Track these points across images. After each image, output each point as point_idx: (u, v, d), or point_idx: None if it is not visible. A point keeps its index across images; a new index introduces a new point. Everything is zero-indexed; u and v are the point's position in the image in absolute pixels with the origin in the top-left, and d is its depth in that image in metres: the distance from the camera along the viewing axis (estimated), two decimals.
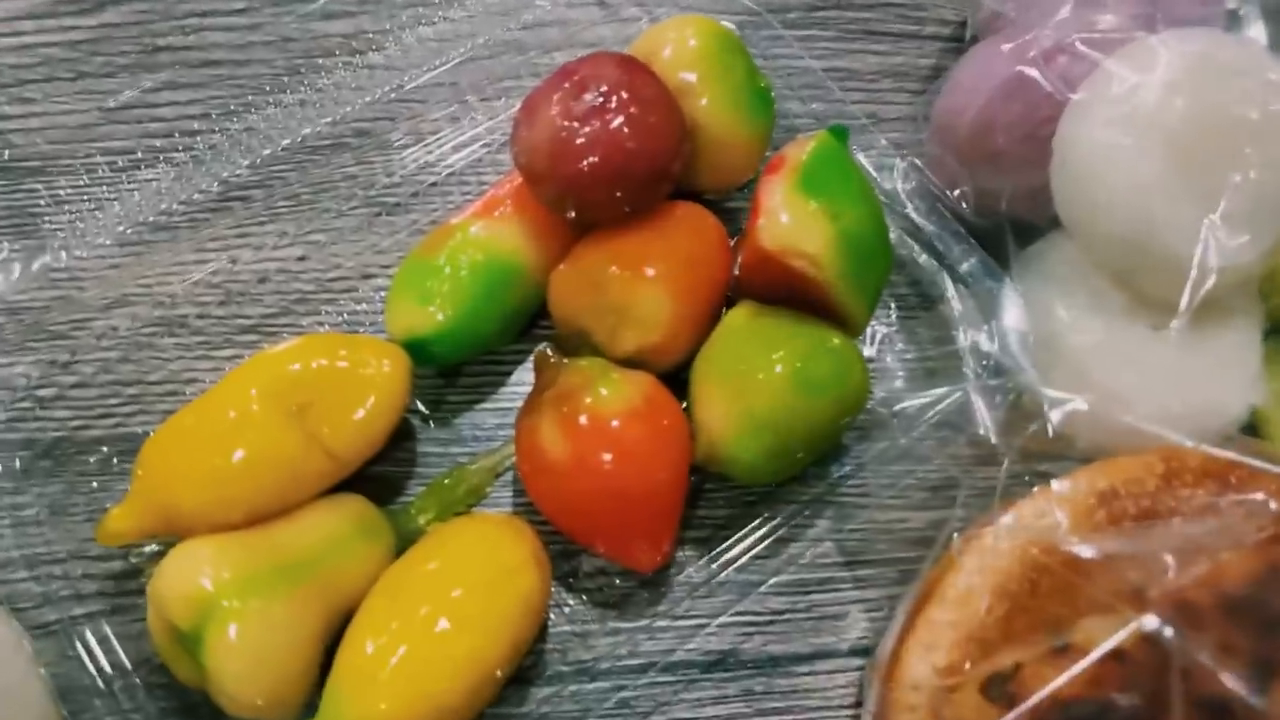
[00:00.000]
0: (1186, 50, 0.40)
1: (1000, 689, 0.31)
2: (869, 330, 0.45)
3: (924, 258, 0.44)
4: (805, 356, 0.39)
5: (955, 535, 0.36)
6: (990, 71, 0.44)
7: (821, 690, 0.40)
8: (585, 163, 0.38)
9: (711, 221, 0.43)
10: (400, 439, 0.43)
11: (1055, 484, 0.36)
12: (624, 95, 0.39)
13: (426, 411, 0.44)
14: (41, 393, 0.42)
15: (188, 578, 0.35)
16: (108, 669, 0.37)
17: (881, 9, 0.52)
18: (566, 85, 0.40)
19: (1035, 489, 0.37)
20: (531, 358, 0.41)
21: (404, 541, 0.40)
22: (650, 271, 0.40)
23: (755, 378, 0.38)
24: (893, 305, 0.46)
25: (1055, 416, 0.37)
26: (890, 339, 0.46)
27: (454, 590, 0.36)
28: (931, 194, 0.45)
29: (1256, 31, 0.43)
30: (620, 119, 0.39)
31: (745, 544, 0.41)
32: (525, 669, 0.39)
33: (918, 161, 0.46)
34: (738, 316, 0.41)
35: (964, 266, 0.43)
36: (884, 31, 0.52)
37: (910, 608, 0.36)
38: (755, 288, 0.41)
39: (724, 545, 0.41)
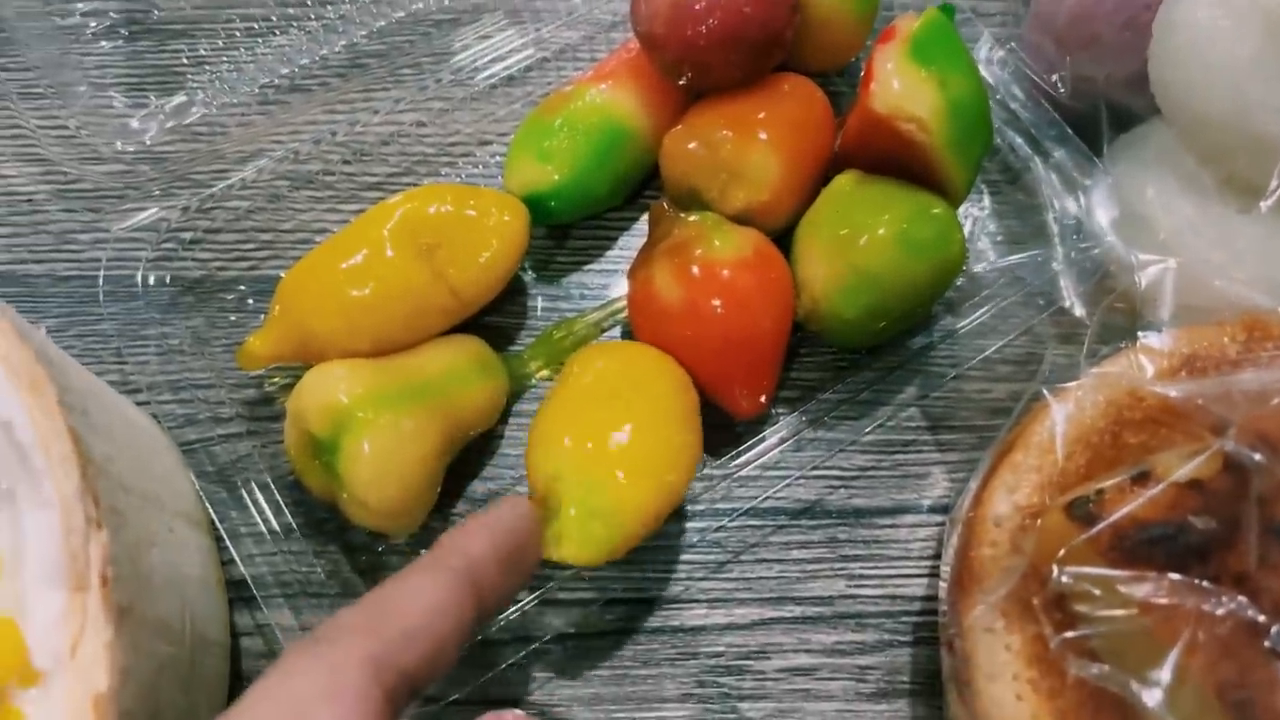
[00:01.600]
0: None
1: (1083, 509, 0.33)
2: (964, 211, 0.47)
3: (1020, 142, 0.46)
4: (909, 219, 0.40)
5: (1043, 389, 0.38)
6: None
7: (902, 542, 0.43)
8: (704, 26, 0.40)
9: (818, 93, 0.45)
10: (513, 294, 0.45)
11: (1140, 341, 0.38)
12: None
13: (537, 270, 0.46)
14: (184, 235, 0.45)
15: (327, 391, 0.38)
16: (246, 483, 0.40)
17: None
18: None
19: (1121, 347, 0.38)
20: (644, 216, 0.43)
21: (516, 384, 0.43)
22: (761, 135, 0.42)
23: (859, 238, 0.40)
24: (985, 190, 0.48)
25: (1143, 278, 0.39)
26: (983, 221, 0.47)
27: (659, 395, 0.39)
28: (1029, 81, 0.47)
29: None
30: None
31: (835, 403, 0.43)
32: None
33: (1017, 49, 0.47)
34: (844, 182, 0.43)
35: (1058, 152, 0.45)
36: None
37: (995, 454, 0.38)
38: (863, 156, 0.42)
39: (814, 403, 0.43)
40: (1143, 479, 0.33)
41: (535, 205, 0.44)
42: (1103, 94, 0.45)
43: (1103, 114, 0.45)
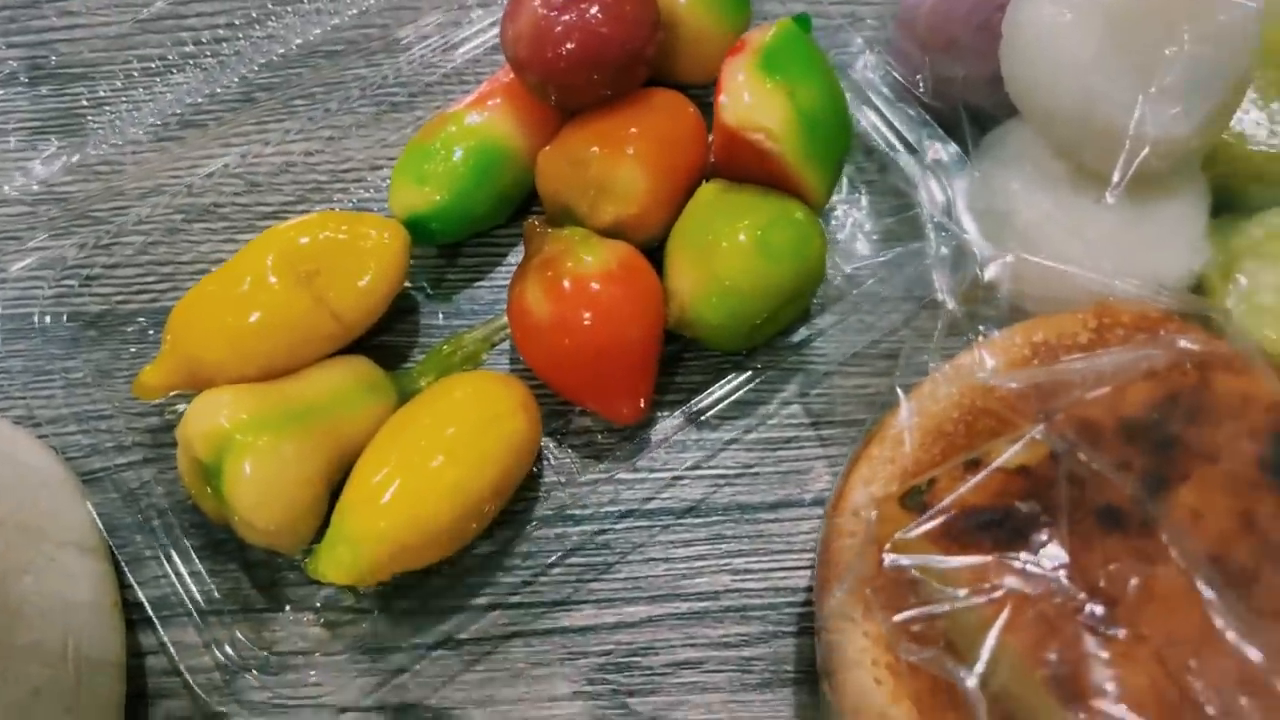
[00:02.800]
0: None
1: (916, 499, 0.34)
2: (838, 211, 0.48)
3: (893, 142, 0.47)
4: (766, 226, 0.42)
5: (896, 385, 0.39)
6: None
7: (785, 536, 0.44)
8: (564, 48, 0.42)
9: (687, 107, 0.46)
10: (405, 312, 0.47)
11: (992, 335, 0.39)
12: None
13: (429, 288, 0.48)
14: (85, 271, 0.46)
15: (209, 417, 0.39)
16: (147, 508, 0.42)
17: None
18: None
19: (973, 340, 0.39)
20: (523, 229, 0.45)
21: (406, 400, 0.45)
22: (628, 149, 0.43)
23: (720, 245, 0.42)
24: (863, 188, 0.49)
25: (992, 272, 0.40)
26: (859, 221, 0.48)
27: (447, 429, 0.40)
28: (899, 84, 0.48)
29: None
30: (595, 7, 0.42)
31: (717, 404, 0.44)
32: (516, 512, 0.43)
33: (884, 53, 0.49)
34: (707, 192, 0.44)
35: (928, 152, 0.46)
36: None
37: (857, 448, 0.40)
38: (728, 167, 0.44)
39: (697, 404, 0.44)
40: (974, 466, 0.34)
41: (418, 227, 0.45)
42: (963, 94, 0.47)
43: (961, 114, 0.47)
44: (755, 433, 0.46)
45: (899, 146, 0.47)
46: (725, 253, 0.42)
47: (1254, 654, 0.30)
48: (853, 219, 0.49)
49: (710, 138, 0.46)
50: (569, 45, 0.42)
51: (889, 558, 0.34)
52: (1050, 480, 0.33)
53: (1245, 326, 0.42)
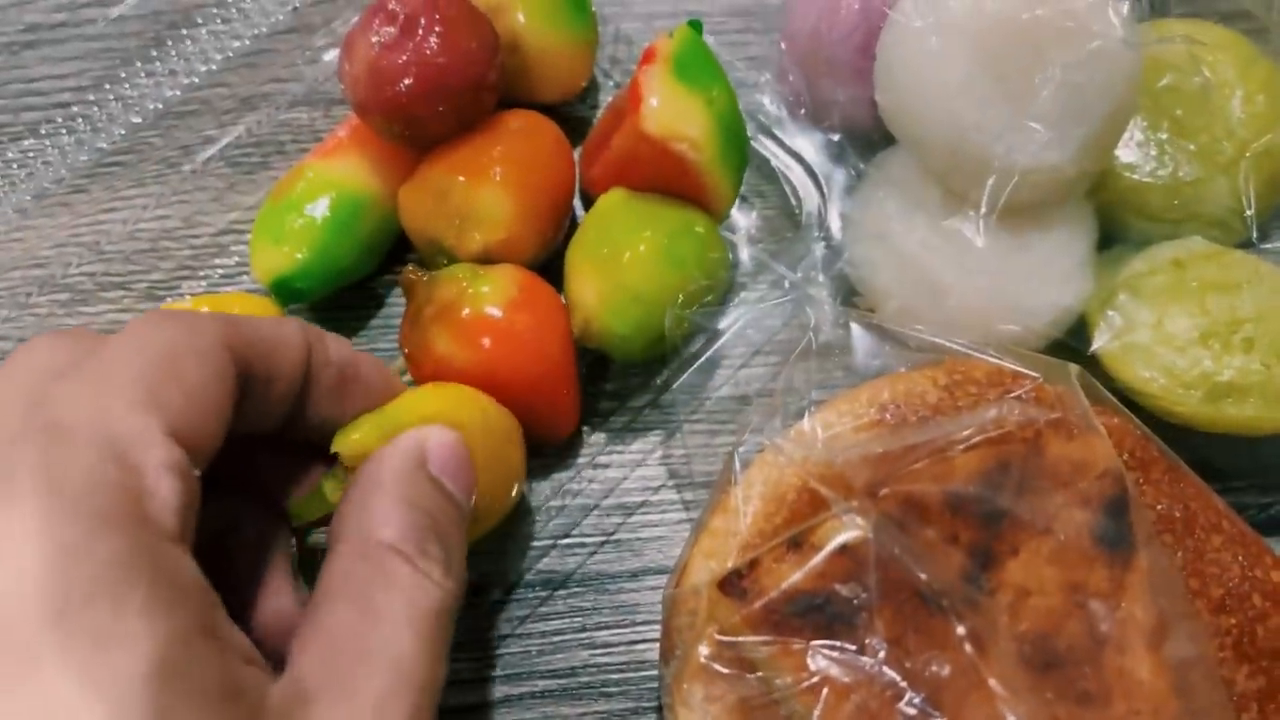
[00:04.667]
0: None
1: (735, 585, 0.33)
2: (737, 222, 0.47)
3: (780, 162, 0.46)
4: (672, 235, 0.41)
5: (734, 451, 0.37)
6: None
7: (648, 605, 0.42)
8: (402, 85, 0.41)
9: (546, 124, 0.45)
10: None
11: (835, 396, 0.38)
12: (431, 18, 0.41)
13: None
14: None
15: None
16: None
17: None
18: (377, 18, 0.41)
19: (816, 404, 0.38)
20: (400, 280, 0.43)
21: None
22: (490, 174, 0.42)
23: (624, 255, 0.41)
24: (754, 202, 0.48)
25: (825, 332, 0.39)
26: (750, 235, 0.47)
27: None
28: (785, 106, 0.47)
29: None
30: (430, 40, 0.41)
31: (576, 471, 0.43)
32: None
33: (771, 76, 0.48)
34: (609, 201, 0.43)
35: (811, 169, 0.45)
36: None
37: (700, 520, 0.38)
38: (630, 176, 0.43)
39: (560, 473, 0.43)
40: (796, 546, 0.33)
41: (284, 288, 0.44)
42: (844, 118, 0.45)
43: (844, 141, 0.45)
44: (612, 498, 0.44)
45: (784, 166, 0.46)
46: (629, 262, 0.40)
47: None
48: (742, 230, 0.47)
49: (576, 152, 0.45)
50: (407, 81, 0.41)
51: (703, 649, 0.32)
52: (871, 561, 0.32)
53: (1118, 364, 0.40)
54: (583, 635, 0.42)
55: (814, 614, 0.31)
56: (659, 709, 0.41)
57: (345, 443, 0.32)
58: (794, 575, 0.32)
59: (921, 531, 0.32)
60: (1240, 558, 0.35)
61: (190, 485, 0.24)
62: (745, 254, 0.46)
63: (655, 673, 0.41)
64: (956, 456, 0.33)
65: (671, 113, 0.40)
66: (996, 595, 0.31)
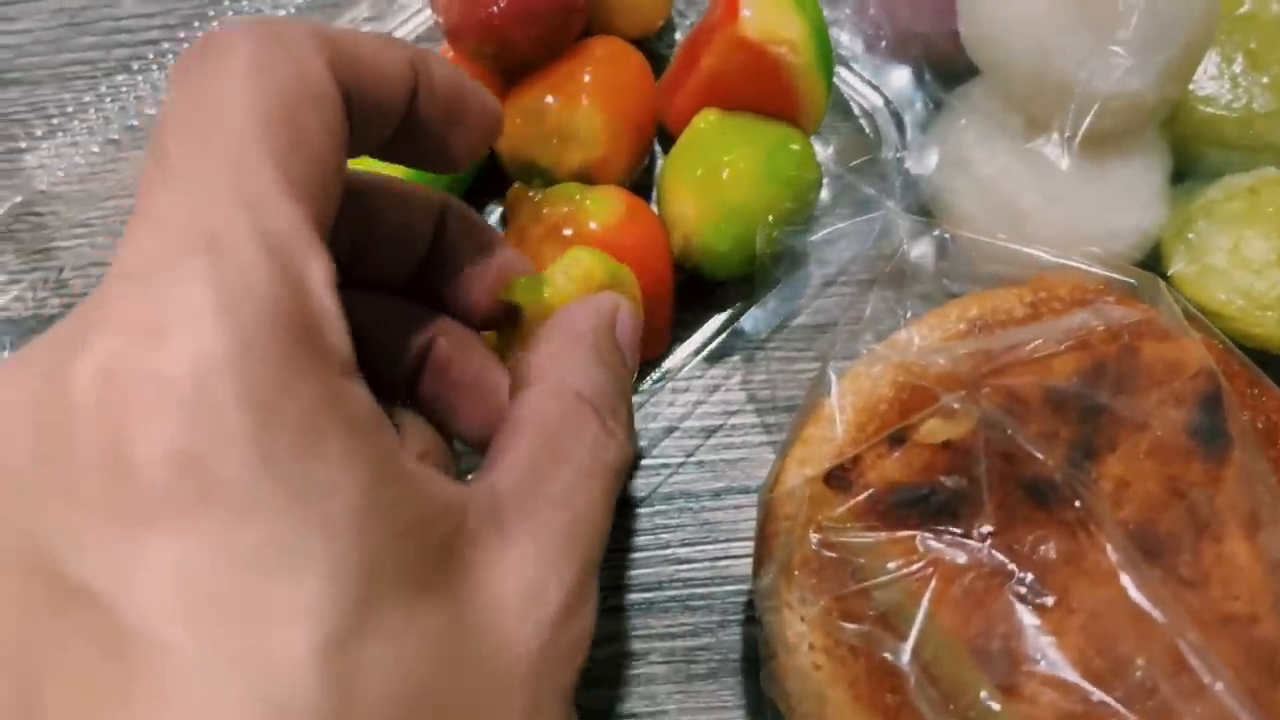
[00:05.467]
0: None
1: (840, 478, 0.34)
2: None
3: (857, 90, 0.47)
4: (770, 150, 0.42)
5: (828, 365, 0.39)
6: None
7: (729, 523, 0.43)
8: (495, 7, 0.42)
9: (631, 51, 0.46)
10: None
11: (924, 313, 0.39)
12: None
13: None
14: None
15: None
16: None
17: None
18: None
19: (904, 318, 0.39)
20: (506, 199, 0.44)
21: None
22: (581, 95, 0.43)
23: (722, 172, 0.42)
24: (829, 138, 0.49)
25: (917, 246, 0.40)
26: (827, 167, 0.48)
27: None
28: (865, 40, 0.48)
29: None
30: None
31: (658, 394, 0.44)
32: None
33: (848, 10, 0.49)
34: (705, 120, 0.44)
35: (890, 101, 0.46)
36: None
37: (793, 429, 0.39)
38: (724, 91, 0.44)
39: (640, 395, 0.44)
40: (898, 442, 0.34)
41: None
42: (925, 51, 0.47)
43: (925, 69, 0.47)
44: (693, 419, 0.45)
45: (865, 94, 0.47)
46: (729, 180, 0.42)
47: (1172, 625, 0.29)
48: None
49: (656, 80, 0.46)
50: (499, 3, 0.42)
51: (814, 537, 0.33)
52: (976, 454, 0.33)
53: (1195, 288, 0.41)
54: (666, 551, 0.43)
55: (920, 504, 0.32)
56: (744, 621, 0.42)
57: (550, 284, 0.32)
58: (898, 469, 0.33)
59: (1024, 426, 0.33)
60: None
61: (339, 298, 0.22)
62: (827, 183, 0.47)
63: (738, 587, 0.42)
64: (1054, 357, 0.34)
65: (769, 17, 0.42)
66: (1099, 484, 0.32)
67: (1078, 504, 0.32)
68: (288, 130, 0.21)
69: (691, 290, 0.46)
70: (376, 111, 0.25)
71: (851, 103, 0.47)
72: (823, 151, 0.48)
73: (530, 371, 0.28)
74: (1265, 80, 0.43)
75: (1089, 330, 0.35)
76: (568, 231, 0.41)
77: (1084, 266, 0.37)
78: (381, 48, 0.25)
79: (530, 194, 0.42)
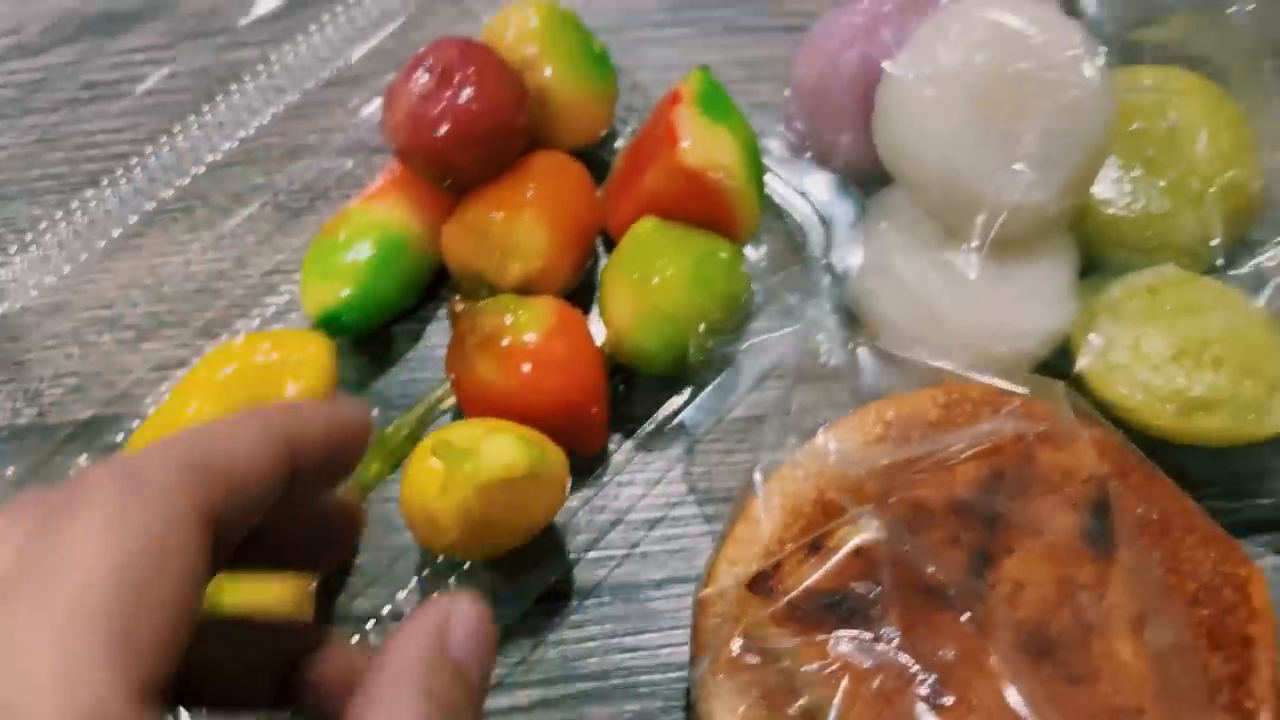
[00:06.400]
0: (985, 15, 0.44)
1: (763, 584, 0.36)
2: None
3: (783, 202, 0.50)
4: (699, 259, 0.46)
5: (757, 469, 0.41)
6: (834, 35, 0.49)
7: (672, 612, 0.46)
8: (439, 130, 0.45)
9: (572, 164, 0.49)
10: None
11: (844, 416, 0.42)
12: (464, 71, 0.45)
13: (355, 383, 0.50)
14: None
15: None
16: None
17: (740, 5, 0.58)
18: (416, 71, 0.46)
19: (827, 422, 0.42)
20: (444, 310, 0.47)
21: (359, 495, 0.47)
22: (524, 209, 0.46)
23: (655, 278, 0.45)
24: (763, 240, 0.51)
25: (835, 357, 0.43)
26: (759, 269, 0.51)
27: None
28: (791, 148, 0.52)
29: None
30: (464, 89, 0.45)
31: (604, 488, 0.47)
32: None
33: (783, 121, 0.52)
34: (643, 228, 0.47)
35: (817, 208, 0.49)
36: (742, 27, 0.58)
37: (725, 527, 0.42)
38: (664, 206, 0.47)
39: (589, 486, 0.47)
40: (816, 549, 0.37)
41: (331, 323, 0.48)
42: (847, 160, 0.50)
43: (846, 180, 0.50)
44: (639, 513, 0.47)
45: (794, 203, 0.50)
46: (661, 284, 0.45)
47: None
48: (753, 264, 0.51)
49: (598, 190, 0.50)
50: (444, 127, 0.45)
51: (738, 644, 0.36)
52: (882, 561, 0.36)
53: (1100, 383, 0.44)
54: (613, 641, 0.45)
55: (833, 609, 0.35)
56: (686, 708, 0.44)
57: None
58: (814, 575, 0.36)
59: (928, 533, 0.35)
60: (1212, 555, 0.39)
61: None
62: (757, 286, 0.50)
63: (681, 674, 0.45)
64: (957, 466, 0.37)
65: (706, 145, 0.45)
66: (996, 588, 0.35)
67: (977, 607, 0.34)
68: (134, 591, 0.21)
69: (635, 386, 0.49)
70: (248, 514, 0.25)
71: (784, 209, 0.50)
72: (755, 255, 0.51)
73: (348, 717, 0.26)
74: (1162, 184, 0.47)
75: (991, 439, 0.37)
76: (506, 342, 0.44)
77: (982, 380, 0.40)
78: (255, 449, 0.25)
79: (468, 306, 0.45)
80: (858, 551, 0.36)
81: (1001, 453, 0.37)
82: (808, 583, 0.36)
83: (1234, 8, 0.47)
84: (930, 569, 0.35)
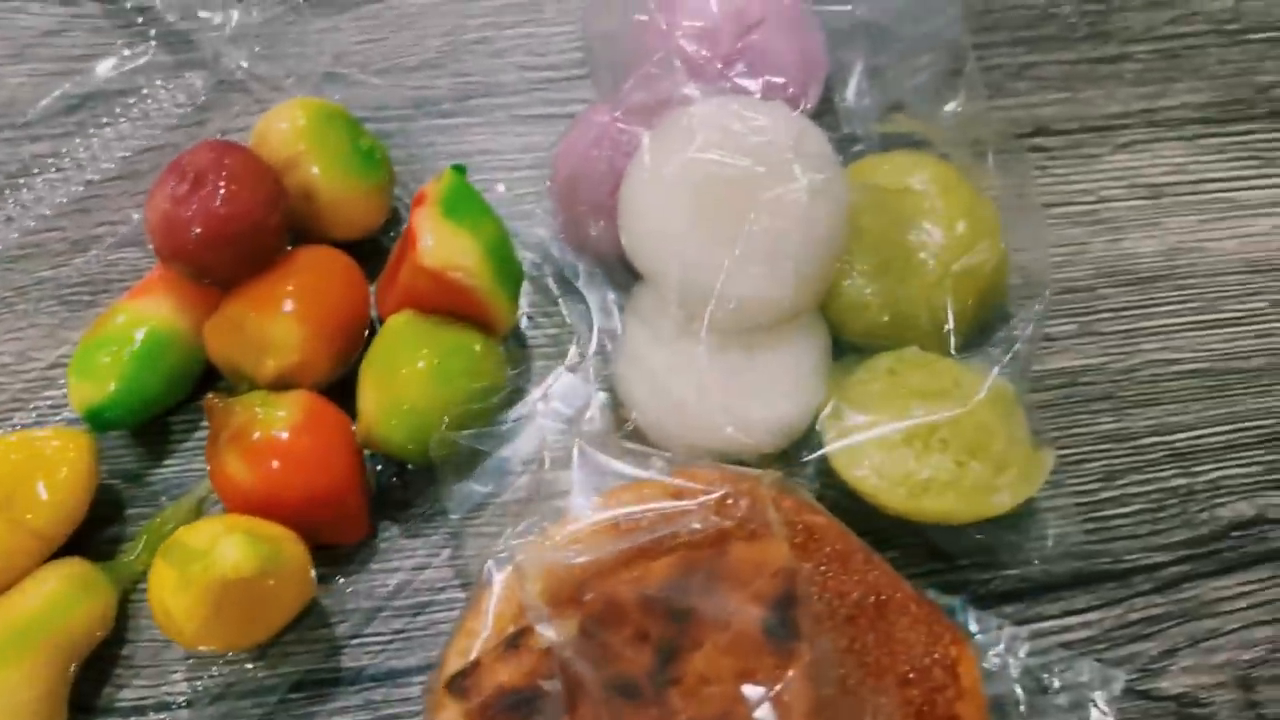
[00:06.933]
0: (711, 117, 0.47)
1: (459, 684, 0.37)
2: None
3: (555, 287, 0.52)
4: (445, 353, 0.47)
5: (489, 560, 0.42)
6: (584, 134, 0.51)
7: None
8: (191, 233, 0.46)
9: (337, 257, 0.51)
10: (109, 504, 0.50)
11: (574, 510, 0.43)
12: (217, 174, 0.47)
13: (126, 476, 0.51)
14: None
15: None
16: None
17: (525, 94, 0.60)
18: (173, 174, 0.47)
19: (562, 512, 0.43)
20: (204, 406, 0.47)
21: (127, 585, 0.47)
22: (280, 306, 0.48)
23: (401, 371, 0.46)
24: (540, 321, 0.53)
25: (552, 461, 0.44)
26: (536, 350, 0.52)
27: None
28: (558, 241, 0.53)
29: None
30: (216, 193, 0.46)
31: (370, 574, 0.48)
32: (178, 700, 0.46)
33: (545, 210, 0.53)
34: (396, 322, 0.48)
35: (583, 300, 0.51)
36: (525, 115, 0.59)
37: (459, 621, 0.43)
38: (420, 302, 0.48)
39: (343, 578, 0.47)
40: (515, 647, 0.38)
41: (96, 418, 0.48)
42: (600, 251, 0.51)
43: (599, 271, 0.51)
44: (402, 599, 0.48)
45: (562, 290, 0.52)
46: (406, 377, 0.46)
47: None
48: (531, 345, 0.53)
49: (372, 286, 0.51)
50: (196, 230, 0.46)
51: None
52: (573, 658, 0.37)
53: (843, 464, 0.45)
54: None
55: (523, 707, 0.36)
56: None
57: None
58: (510, 673, 0.37)
59: (619, 630, 0.37)
60: (924, 637, 0.40)
61: None
62: (518, 373, 0.51)
63: None
64: (654, 561, 0.38)
65: (446, 246, 0.47)
66: (682, 684, 0.36)
67: (662, 704, 0.36)
68: None
69: (409, 473, 0.50)
70: None
71: (554, 293, 0.51)
72: (535, 333, 0.53)
73: None
74: (902, 269, 0.48)
75: (691, 534, 0.39)
76: (255, 436, 0.45)
77: (706, 469, 0.41)
78: None
79: (219, 402, 0.46)
80: (548, 650, 0.37)
81: (699, 547, 0.38)
82: (504, 680, 0.37)
83: (950, 106, 0.50)
84: (617, 666, 0.36)
